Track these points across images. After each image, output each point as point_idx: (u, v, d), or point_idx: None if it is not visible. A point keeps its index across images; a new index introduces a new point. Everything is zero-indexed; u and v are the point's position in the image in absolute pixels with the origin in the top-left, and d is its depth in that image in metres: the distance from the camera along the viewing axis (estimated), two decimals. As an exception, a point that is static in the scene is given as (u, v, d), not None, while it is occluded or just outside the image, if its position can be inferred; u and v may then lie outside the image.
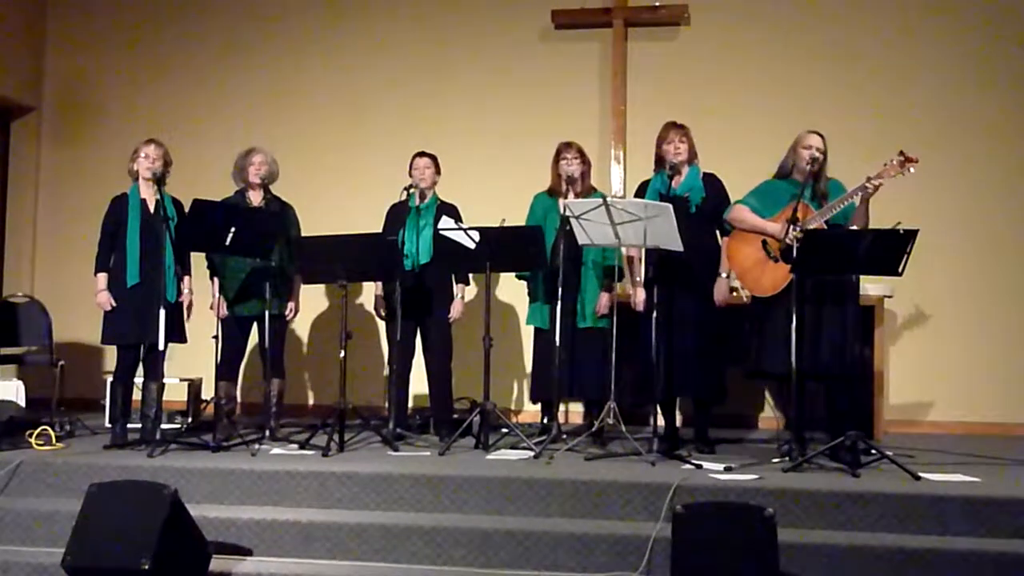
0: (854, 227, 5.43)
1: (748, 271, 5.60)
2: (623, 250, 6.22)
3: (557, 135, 6.54)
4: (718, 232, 5.94)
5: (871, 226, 5.40)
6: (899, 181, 5.37)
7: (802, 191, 5.41)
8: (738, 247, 5.67)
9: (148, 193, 6.06)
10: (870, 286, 6.39)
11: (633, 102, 7.75)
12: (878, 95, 7.58)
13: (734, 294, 6.06)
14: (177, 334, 6.03)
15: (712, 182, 5.97)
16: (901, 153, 5.32)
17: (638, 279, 5.98)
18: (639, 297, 5.93)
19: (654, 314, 5.55)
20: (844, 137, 6.48)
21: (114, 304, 5.96)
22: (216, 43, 8.48)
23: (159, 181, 5.97)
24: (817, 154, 5.54)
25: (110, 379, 6.48)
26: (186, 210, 5.86)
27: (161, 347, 5.69)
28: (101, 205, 6.16)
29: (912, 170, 5.31)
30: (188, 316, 6.13)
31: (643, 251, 5.80)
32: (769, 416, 7.31)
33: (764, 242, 5.56)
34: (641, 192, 6.02)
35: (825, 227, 5.42)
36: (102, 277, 6.03)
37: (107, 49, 8.63)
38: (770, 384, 7.03)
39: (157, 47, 8.55)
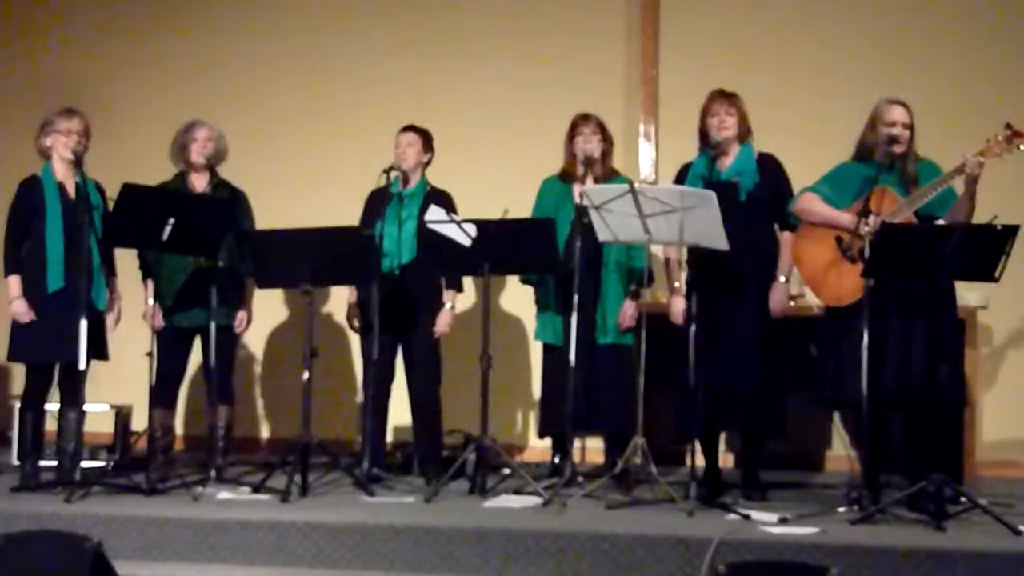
0: (941, 221, 5.44)
1: (819, 274, 5.61)
2: (656, 249, 6.22)
3: (573, 107, 6.56)
4: (777, 226, 5.93)
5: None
6: (1000, 163, 5.36)
7: (877, 175, 5.41)
8: (806, 245, 5.67)
9: (65, 176, 6.07)
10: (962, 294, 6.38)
11: (666, 66, 7.76)
12: (967, 54, 7.52)
13: (792, 303, 6.06)
14: (98, 349, 6.04)
15: (769, 164, 5.96)
16: (1008, 127, 5.31)
17: (676, 284, 5.99)
18: (677, 307, 5.93)
19: (692, 327, 5.56)
20: (926, 106, 6.40)
21: (34, 316, 5.97)
22: (156, 2, 8.50)
23: (80, 162, 5.98)
24: (899, 130, 5.53)
25: (18, 405, 6.48)
26: (112, 198, 5.87)
27: (82, 366, 5.70)
28: (5, 192, 6.18)
29: None
30: (115, 325, 6.17)
31: (683, 251, 5.81)
32: (838, 455, 7.25)
33: (838, 239, 5.55)
34: (681, 177, 6.02)
35: (914, 219, 5.42)
36: (15, 281, 6.01)
37: (20, 15, 8.62)
38: (844, 415, 7.00)
39: (81, 12, 8.55)
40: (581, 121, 6.38)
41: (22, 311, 5.96)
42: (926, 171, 5.58)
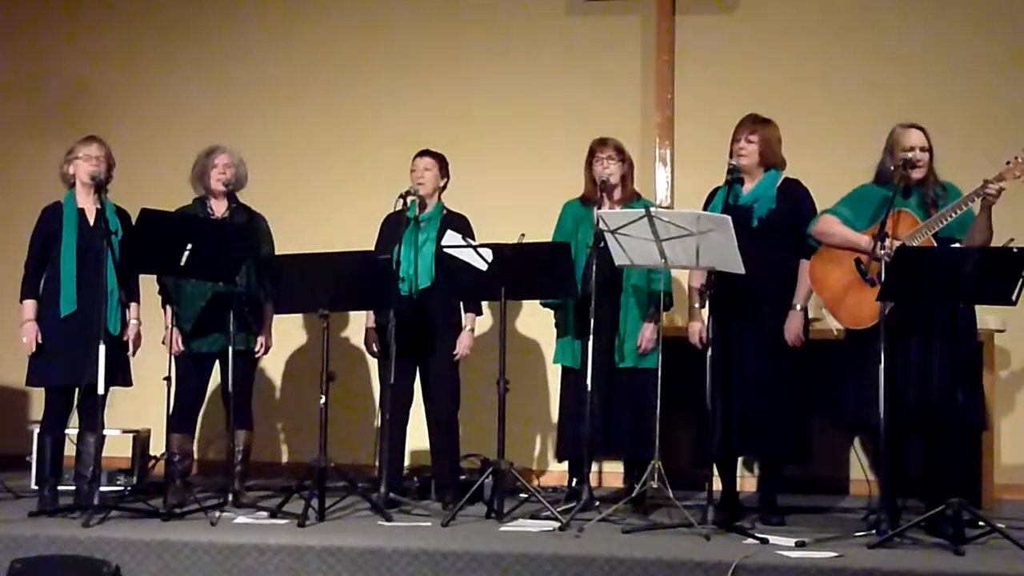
0: (957, 244, 5.43)
1: (838, 297, 5.59)
2: (681, 275, 6.17)
3: (589, 131, 6.55)
4: (799, 251, 5.90)
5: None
6: (1018, 185, 5.34)
7: (893, 197, 5.40)
8: (826, 268, 5.65)
9: (87, 202, 6.11)
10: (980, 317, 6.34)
11: (683, 90, 7.75)
12: (986, 77, 7.51)
13: (814, 325, 6.03)
14: (120, 375, 6.06)
15: (791, 190, 5.94)
16: None
17: (696, 305, 5.96)
18: (694, 329, 5.92)
19: (710, 351, 5.55)
20: (942, 129, 6.36)
21: (40, 340, 5.98)
22: (173, 24, 8.52)
23: (100, 187, 6.01)
24: (917, 154, 5.53)
25: (37, 430, 6.48)
26: (133, 222, 5.89)
27: (100, 391, 5.71)
28: (30, 217, 6.20)
29: None
30: (134, 353, 6.17)
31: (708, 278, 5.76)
32: (859, 479, 7.20)
33: (858, 261, 5.54)
34: (708, 201, 6.02)
35: (933, 242, 5.41)
36: (29, 305, 6.07)
37: (43, 30, 8.67)
38: (863, 439, 6.96)
39: (99, 29, 8.60)
40: (598, 146, 6.36)
41: (29, 335, 5.99)
42: (948, 193, 5.57)
